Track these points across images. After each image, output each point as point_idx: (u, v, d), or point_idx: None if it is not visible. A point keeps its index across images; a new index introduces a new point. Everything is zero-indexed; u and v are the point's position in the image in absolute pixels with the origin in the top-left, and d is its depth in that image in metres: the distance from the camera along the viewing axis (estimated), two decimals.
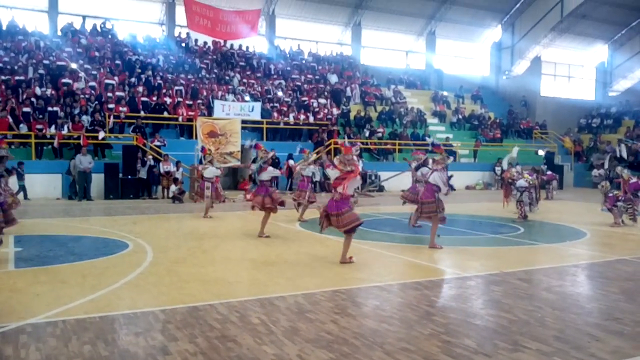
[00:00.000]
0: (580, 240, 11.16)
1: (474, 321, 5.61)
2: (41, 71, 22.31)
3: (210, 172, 14.46)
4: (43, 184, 18.48)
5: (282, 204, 11.20)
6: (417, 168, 13.43)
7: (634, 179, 13.35)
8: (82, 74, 22.71)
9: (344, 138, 23.31)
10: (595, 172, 21.65)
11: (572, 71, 39.48)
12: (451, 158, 10.83)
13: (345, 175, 8.22)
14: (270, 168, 11.37)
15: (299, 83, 28.52)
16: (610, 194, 13.29)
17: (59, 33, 26.21)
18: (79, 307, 5.86)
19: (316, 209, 11.22)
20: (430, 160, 11.43)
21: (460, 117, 31.13)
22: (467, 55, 38.42)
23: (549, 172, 21.29)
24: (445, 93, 33.00)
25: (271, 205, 10.98)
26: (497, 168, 24.96)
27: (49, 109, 20.22)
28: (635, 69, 37.60)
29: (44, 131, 19.38)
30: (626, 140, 29.72)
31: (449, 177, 10.40)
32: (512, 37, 36.72)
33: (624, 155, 27.84)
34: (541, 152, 28.00)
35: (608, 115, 35.01)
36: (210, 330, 5.16)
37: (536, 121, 34.01)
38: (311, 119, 25.66)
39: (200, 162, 19.58)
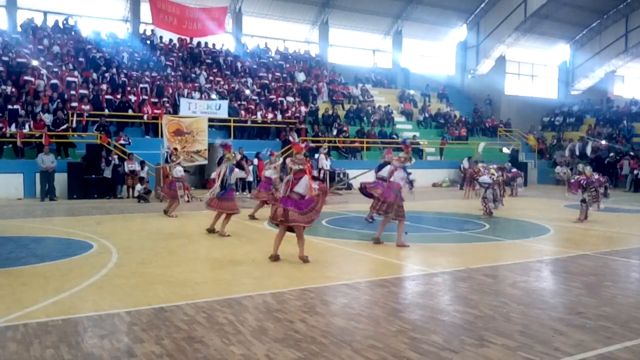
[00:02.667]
0: (544, 237, 11.38)
1: (441, 317, 5.66)
2: (0, 68, 21.71)
3: (178, 171, 14.57)
4: (4, 184, 17.99)
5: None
6: (379, 167, 13.36)
7: (596, 176, 13.68)
8: (43, 71, 22.17)
9: (301, 138, 23.14)
10: (558, 168, 22.11)
11: (535, 70, 40.23)
12: (414, 160, 10.75)
13: (299, 175, 8.16)
14: (236, 170, 11.34)
15: (266, 81, 28.34)
16: (573, 180, 13.60)
17: (19, 29, 25.55)
18: (41, 310, 5.72)
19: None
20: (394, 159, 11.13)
21: (426, 115, 31.43)
22: (433, 54, 38.80)
23: (513, 170, 21.60)
24: (411, 92, 33.25)
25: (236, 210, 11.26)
26: (462, 165, 25.23)
27: (9, 107, 19.68)
28: (596, 69, 38.56)
29: (3, 130, 18.86)
30: (588, 138, 30.38)
31: (409, 175, 10.30)
32: (477, 37, 37.20)
33: (587, 152, 28.35)
34: (506, 150, 28.42)
35: (570, 113, 35.77)
36: (177, 332, 5.09)
37: (500, 119, 34.51)
38: (279, 117, 25.55)
39: (167, 161, 19.37)
